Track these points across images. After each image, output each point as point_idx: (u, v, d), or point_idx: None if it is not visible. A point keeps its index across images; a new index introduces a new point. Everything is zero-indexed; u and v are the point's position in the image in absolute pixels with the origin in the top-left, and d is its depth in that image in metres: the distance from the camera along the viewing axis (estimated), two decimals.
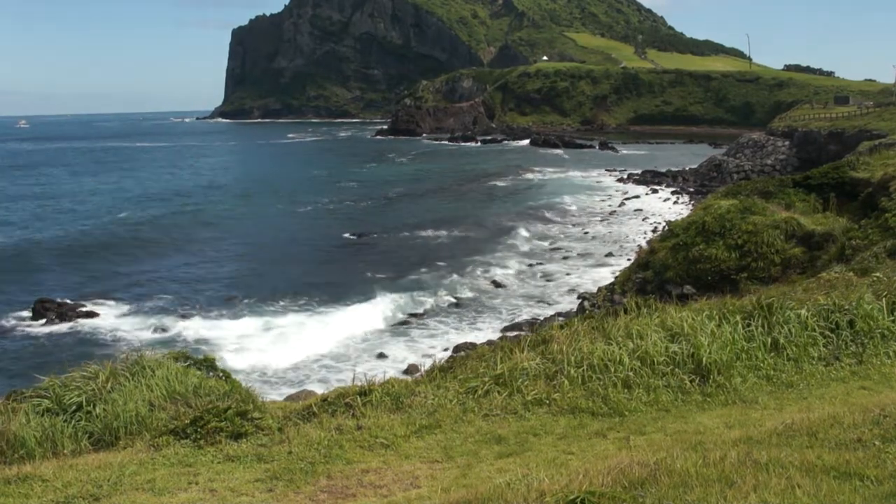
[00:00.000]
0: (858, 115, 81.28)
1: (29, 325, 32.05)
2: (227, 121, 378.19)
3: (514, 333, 26.60)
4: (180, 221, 58.30)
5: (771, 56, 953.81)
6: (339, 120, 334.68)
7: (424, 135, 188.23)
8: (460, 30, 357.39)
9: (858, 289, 10.66)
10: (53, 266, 42.59)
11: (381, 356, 26.86)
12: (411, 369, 23.01)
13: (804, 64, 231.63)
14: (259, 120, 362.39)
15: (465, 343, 25.87)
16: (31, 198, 74.01)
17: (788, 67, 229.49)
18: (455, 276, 38.69)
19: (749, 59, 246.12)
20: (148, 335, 30.03)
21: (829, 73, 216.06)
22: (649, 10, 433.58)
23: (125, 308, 34.50)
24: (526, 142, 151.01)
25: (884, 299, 9.97)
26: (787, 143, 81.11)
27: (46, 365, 23.63)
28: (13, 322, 32.42)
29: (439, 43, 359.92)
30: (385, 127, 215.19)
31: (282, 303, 33.93)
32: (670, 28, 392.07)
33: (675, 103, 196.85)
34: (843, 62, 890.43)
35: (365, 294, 34.85)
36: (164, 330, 30.83)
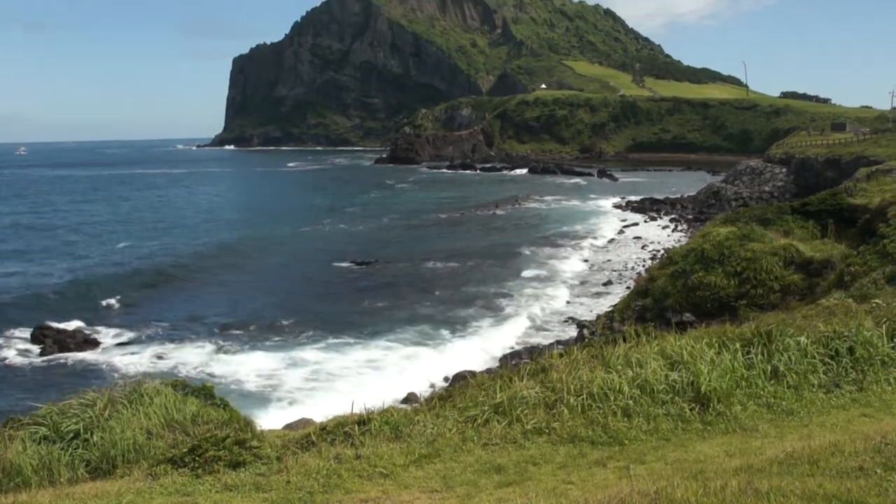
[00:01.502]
0: (855, 142, 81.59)
1: (27, 352, 31.96)
2: (231, 148, 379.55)
3: (514, 361, 26.55)
4: (181, 251, 58.25)
5: (768, 83, 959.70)
6: (339, 148, 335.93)
7: (424, 163, 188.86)
8: (459, 59, 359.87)
9: (858, 315, 10.65)
10: (53, 293, 42.51)
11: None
12: (410, 398, 22.91)
13: (801, 91, 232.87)
14: (259, 147, 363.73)
15: (465, 371, 25.78)
16: (35, 228, 74.02)
17: (785, 95, 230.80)
18: (455, 306, 38.64)
19: (746, 86, 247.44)
20: (147, 364, 29.91)
21: (826, 100, 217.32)
22: (646, 39, 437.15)
23: (125, 336, 34.43)
24: (525, 170, 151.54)
25: (883, 326, 9.96)
26: (784, 169, 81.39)
27: (44, 392, 23.63)
28: (12, 348, 32.33)
29: (438, 72, 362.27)
30: (384, 155, 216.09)
31: (293, 336, 33.69)
32: (667, 56, 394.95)
33: (673, 131, 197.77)
34: (839, 89, 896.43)
35: (369, 326, 34.84)
36: (162, 359, 30.72)
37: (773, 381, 8.90)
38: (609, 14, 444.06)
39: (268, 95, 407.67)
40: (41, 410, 8.70)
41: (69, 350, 32.01)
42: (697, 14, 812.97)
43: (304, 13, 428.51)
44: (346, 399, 9.73)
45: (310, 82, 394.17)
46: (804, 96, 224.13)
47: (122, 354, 31.69)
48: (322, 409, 18.37)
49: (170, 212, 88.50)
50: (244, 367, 29.00)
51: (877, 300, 12.09)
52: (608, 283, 43.38)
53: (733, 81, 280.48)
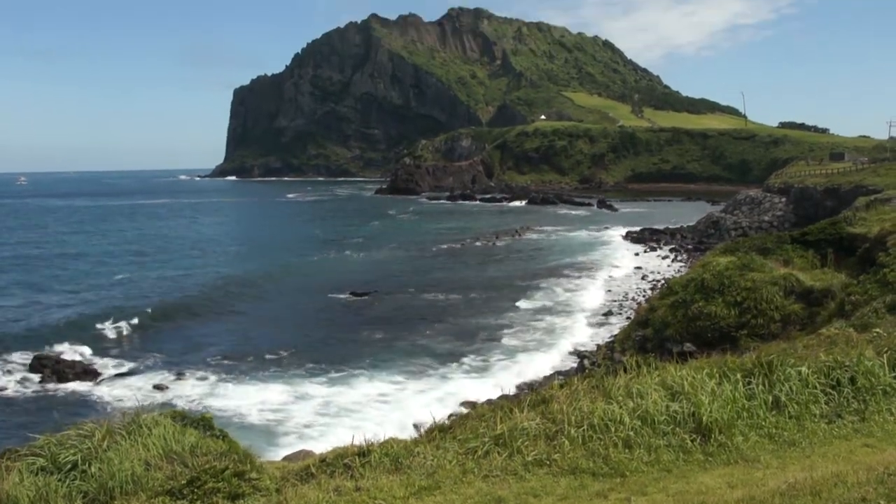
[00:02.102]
0: (854, 171, 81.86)
1: (26, 382, 31.85)
2: (233, 178, 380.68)
3: (514, 392, 26.45)
4: (183, 282, 58.24)
5: (766, 114, 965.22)
6: (340, 179, 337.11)
7: (424, 193, 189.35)
8: (459, 90, 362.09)
9: (859, 345, 10.62)
10: (52, 323, 42.42)
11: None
12: (412, 430, 22.79)
13: (799, 121, 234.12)
14: (260, 178, 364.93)
15: (467, 402, 25.68)
16: (36, 258, 74.06)
17: (783, 125, 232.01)
18: (457, 338, 38.58)
19: (744, 116, 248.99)
20: (147, 395, 29.80)
21: (824, 130, 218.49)
22: (645, 70, 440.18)
23: (125, 367, 34.34)
24: (524, 200, 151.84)
25: (885, 356, 9.93)
26: (783, 199, 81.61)
27: (42, 422, 23.48)
28: (10, 378, 32.23)
29: (438, 103, 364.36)
30: (385, 185, 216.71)
31: (296, 368, 33.51)
32: (666, 87, 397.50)
33: (672, 161, 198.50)
34: (837, 119, 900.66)
35: (372, 358, 34.79)
36: (162, 390, 30.61)
37: (774, 412, 8.86)
38: (608, 45, 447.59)
39: (268, 126, 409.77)
40: (38, 441, 8.65)
41: (68, 380, 31.92)
42: (695, 45, 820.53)
43: (304, 45, 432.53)
44: (354, 432, 9.67)
45: (310, 113, 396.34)
46: (802, 126, 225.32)
47: (121, 385, 31.59)
48: (331, 443, 18.24)
49: (171, 243, 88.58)
50: (247, 399, 28.86)
51: (878, 329, 12.05)
52: (608, 313, 43.32)
53: (732, 112, 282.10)
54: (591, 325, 40.85)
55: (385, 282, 56.78)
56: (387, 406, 27.93)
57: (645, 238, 79.47)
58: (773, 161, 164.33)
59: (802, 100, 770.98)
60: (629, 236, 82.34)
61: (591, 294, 49.80)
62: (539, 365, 32.66)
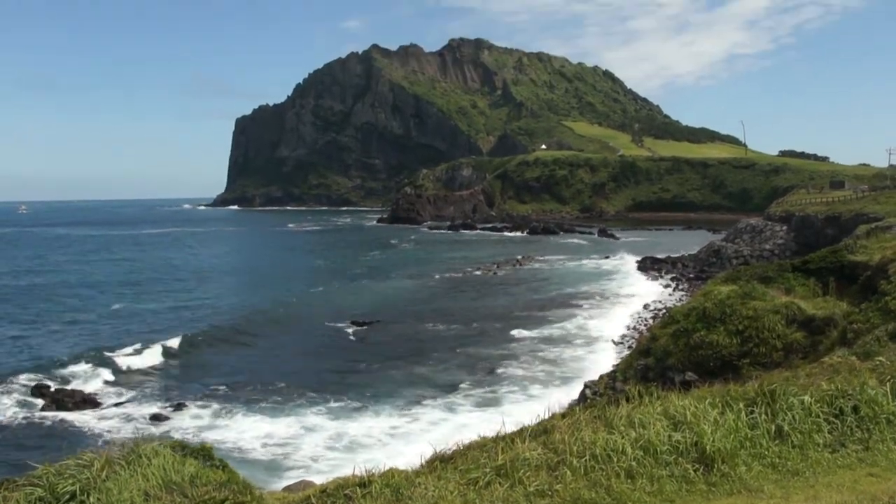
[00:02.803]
0: (854, 199, 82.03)
1: (26, 411, 31.72)
2: (234, 208, 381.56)
3: (516, 421, 26.31)
4: (184, 313, 58.23)
5: (766, 142, 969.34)
6: (341, 208, 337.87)
7: (425, 223, 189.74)
8: (460, 119, 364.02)
9: (861, 373, 10.59)
10: (54, 351, 42.34)
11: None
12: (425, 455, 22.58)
13: (799, 149, 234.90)
14: (261, 208, 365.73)
15: (461, 431, 25.51)
16: (38, 287, 74.04)
17: (783, 153, 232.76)
18: (461, 369, 38.48)
19: (744, 145, 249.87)
20: (147, 425, 29.67)
21: (824, 159, 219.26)
22: (645, 99, 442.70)
23: (125, 396, 34.22)
24: (525, 230, 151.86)
25: (888, 384, 9.90)
26: (784, 227, 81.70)
27: (41, 452, 23.37)
28: (10, 407, 32.09)
29: (439, 133, 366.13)
30: (386, 215, 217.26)
31: (299, 399, 33.33)
32: (666, 116, 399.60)
33: (672, 190, 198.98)
34: (837, 147, 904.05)
35: (375, 389, 34.71)
36: (162, 420, 30.47)
37: (777, 441, 8.81)
38: (608, 75, 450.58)
39: (270, 156, 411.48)
40: (37, 471, 8.60)
41: (68, 409, 31.80)
42: (695, 75, 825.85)
43: (306, 75, 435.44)
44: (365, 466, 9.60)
45: (311, 143, 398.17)
46: (802, 155, 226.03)
47: (120, 414, 31.47)
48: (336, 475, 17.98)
49: (171, 273, 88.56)
50: (250, 431, 28.65)
51: (880, 358, 12.01)
52: (610, 341, 43.22)
53: (732, 141, 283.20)
54: (591, 352, 40.73)
55: (388, 312, 56.71)
56: (397, 439, 27.68)
57: (646, 267, 79.43)
58: (774, 189, 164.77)
59: (802, 128, 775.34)
60: (630, 265, 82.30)
61: (595, 323, 49.69)
62: (546, 396, 32.49)
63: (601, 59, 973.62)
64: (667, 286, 65.34)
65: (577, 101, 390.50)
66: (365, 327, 50.79)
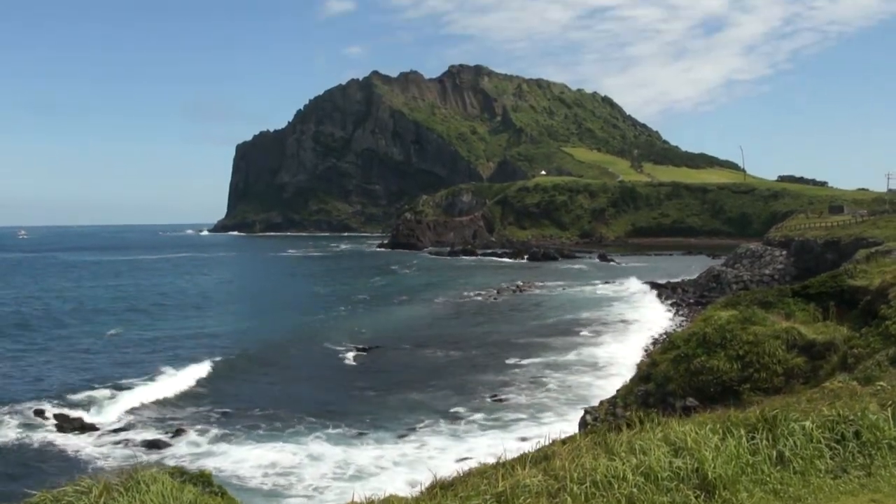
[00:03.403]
0: (853, 224, 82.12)
1: (24, 436, 31.56)
2: (234, 233, 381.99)
3: (516, 448, 26.19)
4: (183, 340, 58.10)
5: (764, 167, 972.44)
6: (341, 234, 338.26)
7: (425, 249, 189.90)
8: (460, 145, 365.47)
9: (863, 398, 10.56)
10: (52, 377, 42.22)
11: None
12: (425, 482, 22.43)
13: (797, 174, 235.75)
14: (261, 234, 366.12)
15: (467, 458, 25.38)
16: (40, 314, 73.95)
17: (782, 178, 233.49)
18: (466, 395, 38.35)
19: (743, 170, 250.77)
20: (145, 451, 29.54)
21: (823, 183, 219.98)
22: (644, 125, 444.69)
23: (123, 422, 34.08)
24: (525, 255, 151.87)
25: (889, 409, 9.87)
26: (784, 252, 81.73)
27: (39, 478, 23.27)
28: (8, 432, 31.93)
29: (439, 159, 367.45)
30: (386, 241, 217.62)
31: (300, 426, 33.10)
32: (665, 142, 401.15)
33: (672, 215, 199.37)
34: (835, 172, 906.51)
35: (382, 416, 34.60)
36: (161, 447, 30.33)
37: (778, 467, 8.77)
38: (607, 101, 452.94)
39: (270, 181, 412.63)
40: (34, 498, 8.55)
41: (66, 435, 31.66)
42: (693, 101, 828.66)
43: (307, 101, 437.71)
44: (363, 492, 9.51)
45: (312, 169, 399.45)
46: (801, 180, 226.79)
47: (119, 440, 31.33)
48: None
49: (172, 299, 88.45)
50: (251, 460, 28.41)
51: (881, 382, 11.98)
52: (610, 366, 43.11)
53: (731, 166, 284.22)
54: (591, 378, 40.61)
55: (388, 338, 56.65)
56: (401, 466, 27.47)
57: (646, 292, 79.41)
58: (773, 214, 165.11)
59: (801, 153, 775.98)
60: (630, 290, 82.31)
61: (597, 349, 49.59)
62: (548, 422, 32.36)
63: (600, 86, 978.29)
64: (667, 311, 65.28)
65: (577, 127, 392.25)
66: (366, 353, 50.69)
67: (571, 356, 47.44)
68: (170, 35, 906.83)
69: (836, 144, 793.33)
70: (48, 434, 31.78)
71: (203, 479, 9.64)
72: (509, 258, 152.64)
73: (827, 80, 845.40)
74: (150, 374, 43.59)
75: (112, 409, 36.50)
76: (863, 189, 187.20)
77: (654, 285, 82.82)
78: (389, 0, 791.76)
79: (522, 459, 9.42)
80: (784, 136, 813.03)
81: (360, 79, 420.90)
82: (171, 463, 25.43)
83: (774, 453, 8.94)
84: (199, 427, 33.16)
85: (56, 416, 33.67)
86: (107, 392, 39.62)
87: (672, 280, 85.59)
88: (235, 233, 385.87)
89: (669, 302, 70.92)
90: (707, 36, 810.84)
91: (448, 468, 25.40)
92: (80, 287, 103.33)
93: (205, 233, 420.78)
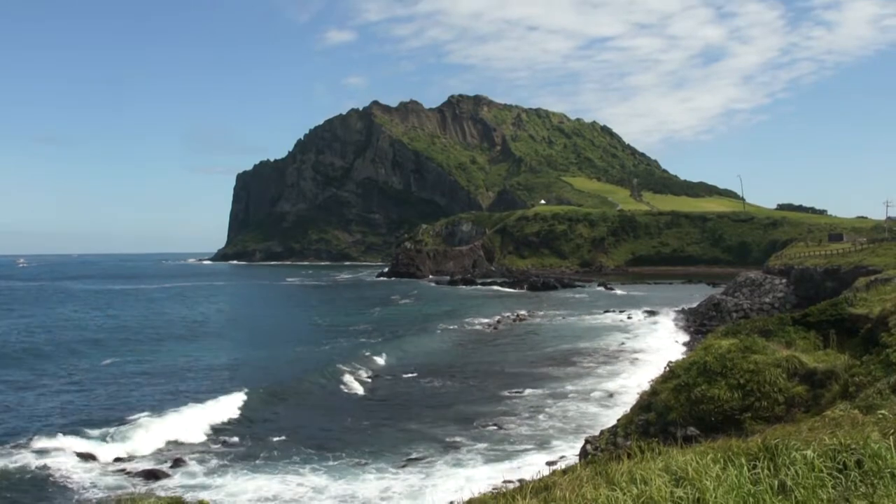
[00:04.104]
0: (853, 252, 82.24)
1: (22, 466, 31.31)
2: (234, 262, 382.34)
3: (517, 478, 26.03)
4: (180, 371, 57.87)
5: (764, 196, 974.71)
6: (341, 263, 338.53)
7: (425, 278, 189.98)
8: (459, 175, 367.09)
9: (864, 427, 10.50)
10: (52, 403, 42.01)
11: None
12: None
13: (796, 203, 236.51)
14: (261, 262, 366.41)
15: (467, 488, 25.17)
16: (40, 344, 73.75)
17: (781, 206, 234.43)
18: (461, 424, 38.17)
19: (742, 199, 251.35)
20: (144, 481, 29.31)
21: (822, 212, 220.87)
22: (643, 154, 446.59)
23: (123, 452, 33.84)
24: (525, 285, 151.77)
25: (891, 437, 9.80)
26: (784, 280, 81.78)
27: None
28: (5, 462, 31.69)
29: (439, 188, 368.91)
30: (386, 270, 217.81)
31: (299, 457, 32.82)
32: (664, 171, 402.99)
33: (672, 244, 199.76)
34: (834, 200, 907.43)
35: (385, 445, 34.36)
36: (160, 477, 30.10)
37: (780, 497, 8.70)
38: (606, 130, 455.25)
39: (270, 211, 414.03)
40: None
41: (65, 463, 31.41)
42: (693, 130, 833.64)
43: (307, 131, 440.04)
44: None
45: (312, 198, 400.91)
46: (800, 208, 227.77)
47: (118, 470, 31.10)
48: None
49: (173, 328, 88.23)
50: (247, 492, 28.10)
51: (883, 411, 11.93)
52: (610, 396, 42.94)
53: (730, 195, 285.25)
54: (591, 407, 40.43)
55: (389, 368, 56.51)
56: (403, 497, 27.20)
57: (646, 321, 79.33)
58: (773, 243, 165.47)
59: (799, 182, 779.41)
60: (630, 319, 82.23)
61: (598, 379, 49.42)
62: (550, 452, 32.19)
63: (599, 115, 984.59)
64: (668, 340, 65.13)
65: (576, 157, 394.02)
66: (367, 383, 50.49)
67: (572, 386, 47.23)
68: (169, 64, 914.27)
69: (835, 172, 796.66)
70: (46, 462, 31.51)
71: None
72: (509, 287, 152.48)
73: (825, 108, 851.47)
74: (150, 404, 43.37)
75: (111, 439, 36.26)
76: (862, 217, 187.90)
77: (654, 314, 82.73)
78: (390, 30, 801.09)
79: (523, 490, 9.37)
80: (783, 165, 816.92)
81: (360, 108, 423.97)
82: (169, 494, 25.25)
83: (776, 483, 8.87)
84: (197, 457, 32.94)
85: (54, 446, 33.41)
86: (107, 422, 39.40)
87: (673, 309, 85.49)
88: (235, 262, 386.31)
89: (671, 330, 70.77)
90: (706, 66, 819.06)
91: (449, 499, 25.28)
92: (84, 317, 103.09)
93: (207, 262, 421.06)
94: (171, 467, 31.59)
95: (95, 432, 36.67)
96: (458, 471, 30.40)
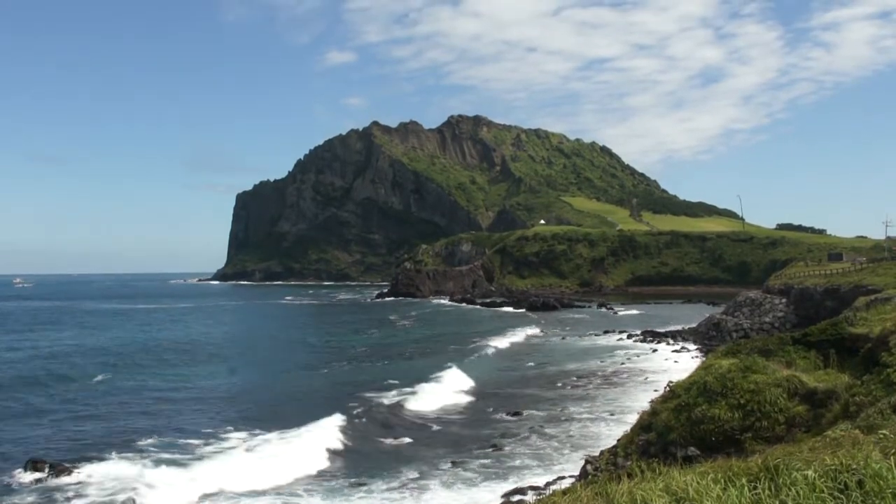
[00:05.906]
0: (853, 271, 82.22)
1: (20, 488, 31.11)
2: (234, 283, 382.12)
3: (517, 498, 25.91)
4: (175, 391, 57.74)
5: (763, 215, 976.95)
6: (341, 283, 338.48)
7: (424, 298, 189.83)
8: (459, 195, 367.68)
9: (865, 447, 10.45)
10: (50, 423, 41.84)
11: None
12: None
13: (796, 223, 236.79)
14: (261, 283, 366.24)
15: None
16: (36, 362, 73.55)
17: (781, 226, 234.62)
18: (462, 445, 38.02)
19: (742, 219, 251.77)
20: (135, 498, 29.12)
21: (821, 231, 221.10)
22: (643, 174, 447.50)
23: (122, 470, 33.64)
24: (525, 305, 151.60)
25: (892, 458, 9.75)
26: (784, 300, 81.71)
27: None
28: (2, 484, 31.49)
29: (439, 208, 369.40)
30: (385, 290, 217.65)
31: (296, 481, 32.78)
32: (664, 191, 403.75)
33: (671, 264, 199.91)
34: (833, 220, 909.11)
35: (381, 467, 34.27)
36: (154, 490, 29.91)
37: None
38: (605, 151, 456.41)
39: (270, 231, 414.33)
40: None
41: (64, 483, 31.21)
42: (692, 150, 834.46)
43: (307, 151, 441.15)
44: None
45: (312, 218, 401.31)
46: (800, 227, 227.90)
47: (118, 490, 30.89)
48: None
49: (169, 350, 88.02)
50: None
51: (884, 431, 11.87)
52: (611, 415, 42.80)
53: (729, 214, 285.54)
54: (592, 427, 40.27)
55: (387, 388, 56.28)
56: None
57: (646, 341, 79.23)
58: (772, 262, 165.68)
59: (799, 201, 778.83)
60: (630, 339, 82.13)
61: (598, 399, 49.29)
62: (551, 473, 32.03)
63: (599, 135, 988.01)
64: (669, 360, 65.00)
65: (576, 177, 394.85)
66: (365, 405, 50.23)
67: (573, 406, 47.08)
68: (171, 84, 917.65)
69: (835, 192, 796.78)
70: (45, 484, 31.32)
71: None
72: (509, 307, 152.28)
73: (824, 128, 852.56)
74: (144, 424, 43.22)
75: (111, 458, 36.09)
76: (861, 236, 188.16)
77: (654, 334, 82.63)
78: (390, 51, 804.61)
79: None
80: (782, 185, 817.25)
81: (360, 129, 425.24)
82: None
83: (777, 503, 8.82)
84: (188, 475, 32.74)
85: (53, 466, 33.20)
86: (108, 440, 39.23)
87: (672, 328, 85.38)
88: (234, 282, 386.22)
89: (670, 351, 70.63)
90: (705, 86, 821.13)
91: None
92: (81, 336, 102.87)
93: (215, 283, 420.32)
94: (166, 485, 31.38)
95: (81, 458, 36.54)
96: (456, 492, 30.21)
